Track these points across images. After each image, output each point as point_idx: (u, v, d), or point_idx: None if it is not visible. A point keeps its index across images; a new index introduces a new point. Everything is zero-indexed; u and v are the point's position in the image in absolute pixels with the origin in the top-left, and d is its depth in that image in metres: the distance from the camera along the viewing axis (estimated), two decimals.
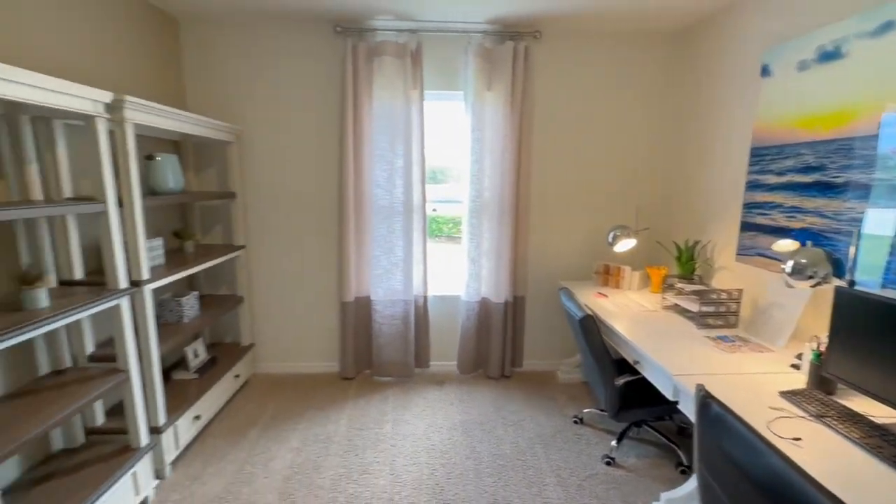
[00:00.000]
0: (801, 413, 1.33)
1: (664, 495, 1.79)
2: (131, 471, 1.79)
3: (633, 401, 2.12)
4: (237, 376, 2.83)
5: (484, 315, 3.12)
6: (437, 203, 3.30)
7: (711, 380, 1.56)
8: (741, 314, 2.19)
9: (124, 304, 1.77)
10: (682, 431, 2.47)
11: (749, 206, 2.25)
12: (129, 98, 1.71)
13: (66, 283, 1.82)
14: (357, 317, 3.06)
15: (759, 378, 1.58)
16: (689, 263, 2.57)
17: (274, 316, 3.11)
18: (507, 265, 2.99)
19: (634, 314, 2.33)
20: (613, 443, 2.30)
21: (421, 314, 3.09)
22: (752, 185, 2.22)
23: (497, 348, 3.09)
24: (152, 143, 2.53)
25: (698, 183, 2.70)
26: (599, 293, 2.73)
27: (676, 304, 2.42)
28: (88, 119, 1.60)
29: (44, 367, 1.78)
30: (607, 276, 2.91)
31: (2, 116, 1.60)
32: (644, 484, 2.06)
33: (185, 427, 2.23)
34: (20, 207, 1.37)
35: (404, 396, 2.89)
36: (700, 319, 2.12)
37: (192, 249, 2.63)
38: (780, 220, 2.04)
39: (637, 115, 2.98)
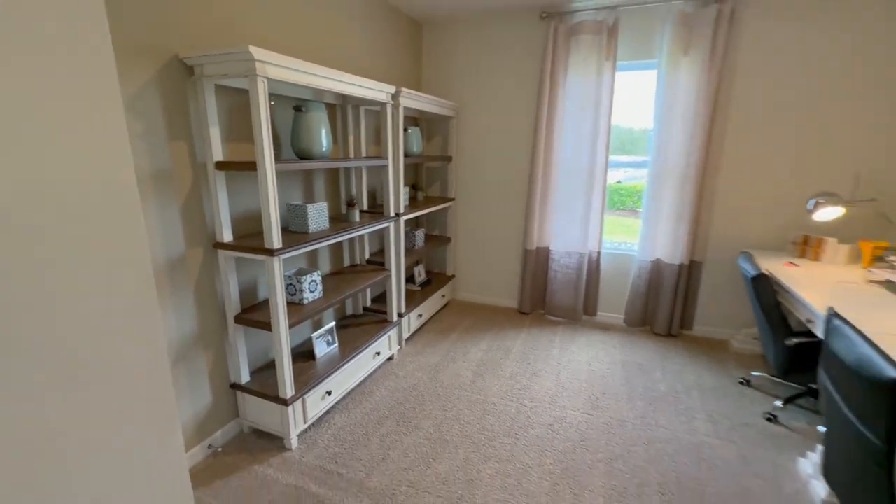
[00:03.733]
0: None
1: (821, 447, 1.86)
2: (388, 334, 2.79)
3: (807, 365, 2.14)
4: (443, 296, 3.77)
5: (656, 274, 3.31)
6: (625, 168, 3.58)
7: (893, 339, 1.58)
8: None
9: (391, 226, 2.73)
10: None
11: None
12: (404, 89, 2.58)
13: (360, 211, 2.88)
14: (536, 263, 3.64)
15: None
16: None
17: (471, 256, 3.94)
18: (686, 229, 3.09)
19: (825, 283, 2.25)
20: (778, 403, 2.35)
21: (593, 267, 3.47)
22: None
23: (666, 307, 3.26)
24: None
25: None
26: (790, 263, 2.63)
27: (888, 280, 2.22)
28: (383, 105, 2.52)
29: (346, 262, 2.91)
30: (805, 247, 2.74)
31: (340, 106, 2.65)
32: (806, 443, 2.11)
33: (414, 319, 3.21)
34: (346, 161, 2.34)
35: (571, 334, 3.37)
36: None
37: (421, 199, 3.59)
38: None
39: (870, 74, 2.60)
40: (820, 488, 1.83)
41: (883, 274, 2.22)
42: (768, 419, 2.29)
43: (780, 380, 2.62)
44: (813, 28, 2.68)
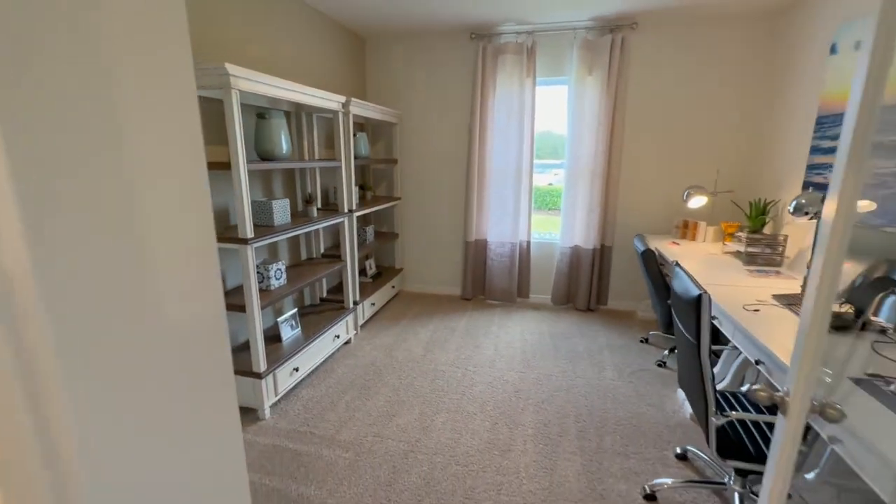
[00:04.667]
0: (776, 303, 1.93)
1: None
2: (345, 319, 3.09)
3: None
4: (393, 287, 4.11)
5: (575, 258, 3.89)
6: (555, 169, 4.15)
7: (725, 288, 2.18)
8: (789, 257, 2.63)
9: (346, 221, 3.03)
10: None
11: (810, 168, 2.63)
12: (353, 99, 2.91)
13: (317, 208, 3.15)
14: (476, 254, 4.09)
15: (767, 290, 2.15)
16: (758, 219, 2.98)
17: (417, 250, 4.31)
18: (597, 219, 3.69)
19: (695, 255, 2.90)
20: (666, 352, 2.96)
21: (524, 255, 3.98)
22: (814, 150, 2.60)
23: (585, 286, 3.84)
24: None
25: (774, 148, 3.04)
26: (673, 242, 3.29)
27: (738, 251, 2.91)
28: (335, 113, 2.83)
29: (303, 255, 3.16)
30: (685, 230, 3.43)
31: (294, 113, 2.92)
32: None
33: (367, 307, 3.52)
34: (305, 162, 2.63)
35: (507, 314, 3.85)
36: (747, 258, 2.64)
37: (370, 198, 3.91)
38: (830, 178, 2.43)
39: (723, 90, 3.35)
40: (689, 406, 2.41)
41: (734, 247, 2.90)
42: (659, 365, 2.89)
43: (667, 335, 3.26)
44: (683, 53, 3.38)
